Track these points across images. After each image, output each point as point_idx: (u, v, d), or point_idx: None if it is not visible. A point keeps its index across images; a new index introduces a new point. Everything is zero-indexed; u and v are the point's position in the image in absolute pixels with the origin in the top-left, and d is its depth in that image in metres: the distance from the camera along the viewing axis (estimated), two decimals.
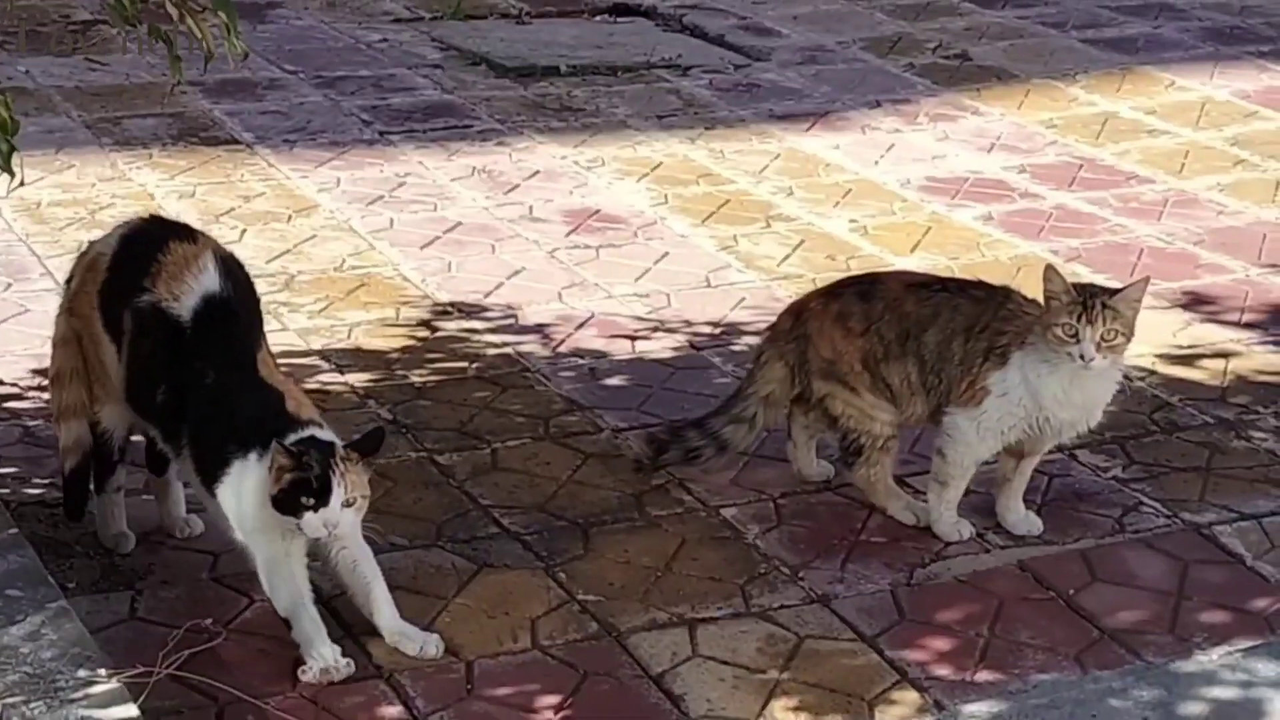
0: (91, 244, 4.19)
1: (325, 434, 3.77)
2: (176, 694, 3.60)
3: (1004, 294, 4.45)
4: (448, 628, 3.99)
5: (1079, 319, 4.17)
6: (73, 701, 3.26)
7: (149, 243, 4.01)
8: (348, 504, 3.68)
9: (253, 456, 3.73)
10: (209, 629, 3.88)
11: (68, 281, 4.23)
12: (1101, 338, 4.17)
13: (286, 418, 3.76)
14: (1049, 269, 4.29)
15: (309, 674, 3.71)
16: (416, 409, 5.11)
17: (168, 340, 3.89)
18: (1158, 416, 5.27)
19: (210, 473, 3.81)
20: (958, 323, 4.40)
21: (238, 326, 3.94)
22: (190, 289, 3.90)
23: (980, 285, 4.53)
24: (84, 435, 4.16)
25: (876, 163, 7.67)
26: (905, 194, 7.27)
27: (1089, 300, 4.19)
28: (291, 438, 3.68)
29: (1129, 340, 4.27)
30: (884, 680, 3.89)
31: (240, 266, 4.09)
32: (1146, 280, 4.35)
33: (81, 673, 3.36)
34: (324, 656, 3.74)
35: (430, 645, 3.88)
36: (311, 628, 3.78)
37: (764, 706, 3.77)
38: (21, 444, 4.73)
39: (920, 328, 4.41)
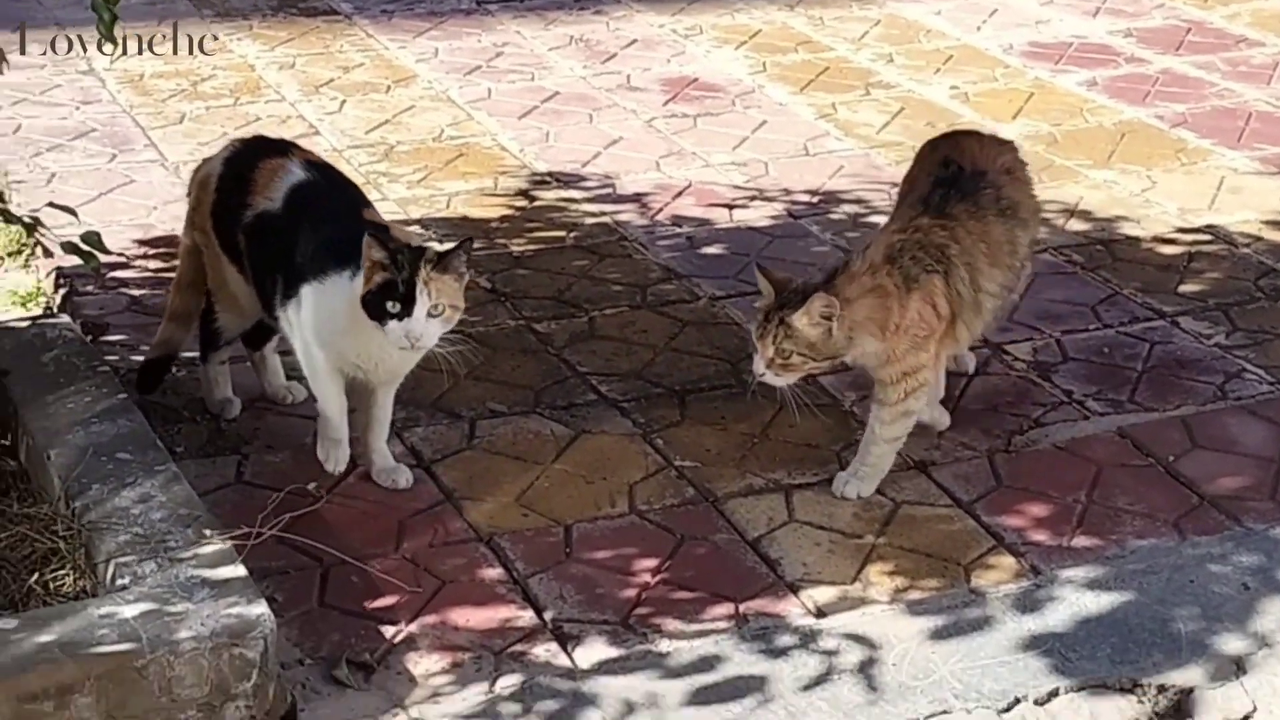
0: (204, 161, 4.24)
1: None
2: (281, 555, 3.68)
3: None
4: (546, 493, 4.03)
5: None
6: (181, 561, 3.33)
7: (247, 162, 4.07)
8: (433, 314, 3.68)
9: (346, 274, 3.75)
10: (312, 492, 3.94)
11: (188, 195, 4.31)
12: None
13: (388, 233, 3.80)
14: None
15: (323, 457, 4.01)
16: (515, 277, 5.14)
17: (278, 235, 3.93)
18: (1263, 283, 5.20)
19: (302, 280, 3.84)
20: None
21: (335, 197, 3.98)
22: (282, 187, 3.95)
23: None
24: (175, 339, 4.29)
25: (979, 28, 7.56)
26: (1008, 60, 7.17)
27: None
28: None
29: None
30: (980, 545, 3.89)
31: (330, 167, 4.16)
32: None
33: (189, 533, 3.42)
34: (333, 456, 3.99)
35: (401, 477, 4.01)
36: (339, 430, 3.97)
37: (860, 570, 3.79)
38: (129, 312, 4.81)
39: None
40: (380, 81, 6.75)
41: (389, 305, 3.65)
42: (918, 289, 3.92)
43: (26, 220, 4.28)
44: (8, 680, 3.00)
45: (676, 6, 7.76)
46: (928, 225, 3.99)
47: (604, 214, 5.60)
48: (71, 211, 4.34)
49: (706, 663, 3.46)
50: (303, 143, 6.00)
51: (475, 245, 5.24)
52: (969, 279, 4.00)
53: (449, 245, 3.89)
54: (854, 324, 3.86)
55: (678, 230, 5.51)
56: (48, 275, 5.00)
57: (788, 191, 5.81)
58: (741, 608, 3.64)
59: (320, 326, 3.82)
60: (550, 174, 5.92)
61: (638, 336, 4.81)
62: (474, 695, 3.33)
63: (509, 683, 3.37)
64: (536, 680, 3.38)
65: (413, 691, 3.34)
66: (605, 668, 3.43)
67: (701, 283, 5.14)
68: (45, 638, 3.08)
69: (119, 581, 3.29)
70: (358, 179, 5.69)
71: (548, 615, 3.58)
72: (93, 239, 4.09)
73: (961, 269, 3.99)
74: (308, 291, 3.82)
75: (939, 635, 3.58)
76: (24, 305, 4.94)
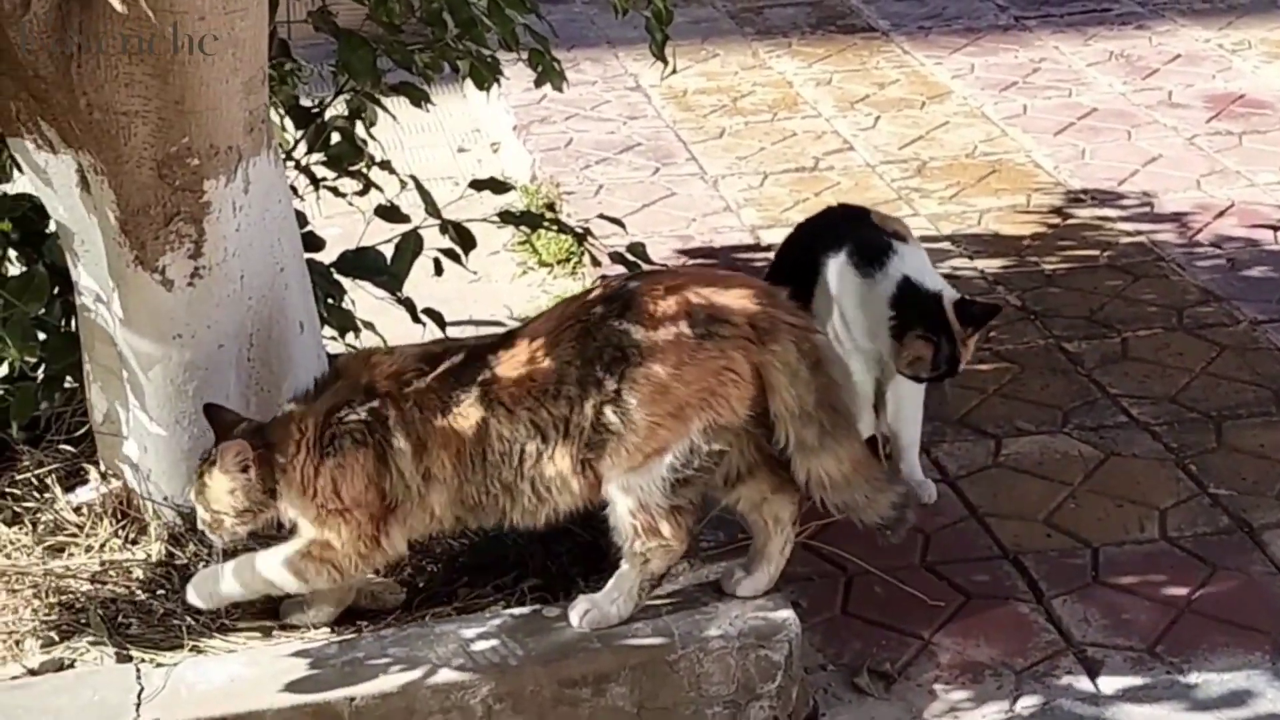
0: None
1: (947, 289, 3.88)
2: (808, 561, 3.75)
3: None
4: (1073, 514, 3.99)
5: None
6: (713, 561, 3.45)
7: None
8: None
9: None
10: None
11: None
12: None
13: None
14: None
15: None
16: (1046, 296, 5.09)
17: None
18: None
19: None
20: None
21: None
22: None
23: None
24: None
25: None
26: None
27: None
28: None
29: None
30: None
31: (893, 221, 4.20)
32: None
33: (722, 535, 3.52)
34: None
35: (925, 491, 4.01)
36: (868, 416, 4.00)
37: None
38: None
39: None
40: (915, 97, 6.79)
41: (927, 374, 3.84)
42: None
43: (578, 230, 4.51)
44: (551, 665, 3.18)
45: (1224, 20, 7.52)
46: None
47: (1140, 233, 5.49)
48: (619, 223, 4.55)
49: (1237, 697, 3.36)
50: (836, 158, 6.15)
51: (1007, 263, 5.25)
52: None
53: (986, 306, 3.92)
54: None
55: (1218, 251, 5.34)
56: (593, 283, 5.24)
57: None
58: (1277, 643, 3.51)
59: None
60: (1085, 191, 5.84)
61: (1172, 359, 4.69)
62: (993, 713, 3.33)
63: (1029, 703, 3.35)
64: (1058, 703, 3.35)
65: (931, 704, 3.36)
66: (1129, 695, 3.37)
67: (1241, 306, 4.97)
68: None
69: None
70: (889, 195, 5.78)
71: (1072, 638, 3.55)
72: (638, 249, 4.28)
73: None
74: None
75: None
76: None
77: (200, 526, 3.31)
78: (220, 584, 3.29)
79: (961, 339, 3.80)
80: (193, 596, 3.31)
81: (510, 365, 3.18)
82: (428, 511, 3.23)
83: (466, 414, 3.17)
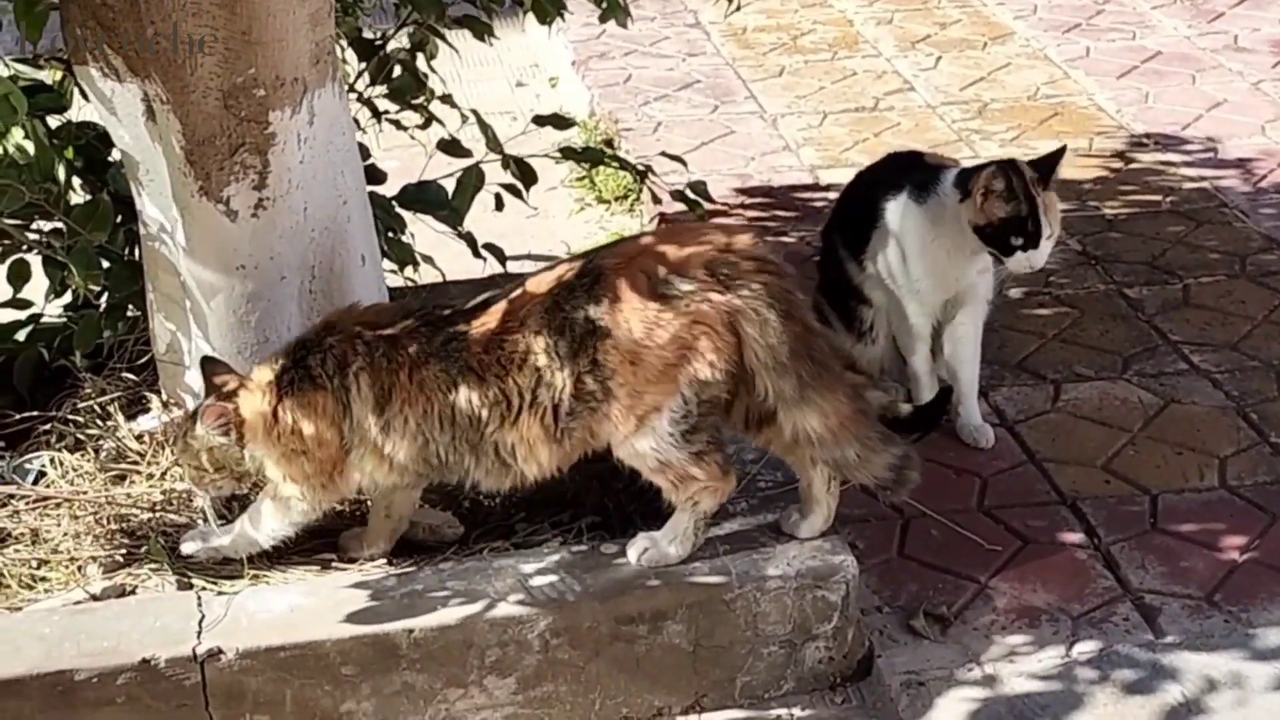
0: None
1: None
2: (864, 503, 3.74)
3: None
4: (1131, 460, 3.97)
5: None
6: (770, 502, 3.44)
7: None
8: (1048, 237, 3.76)
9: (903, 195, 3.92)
10: None
11: None
12: None
13: None
14: None
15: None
16: (1107, 241, 5.05)
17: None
18: None
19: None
20: None
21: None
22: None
23: None
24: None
25: None
26: None
27: None
28: None
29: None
30: None
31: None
32: None
33: (780, 476, 3.52)
34: (923, 397, 4.06)
35: (984, 436, 4.02)
36: (923, 365, 4.05)
37: None
38: None
39: None
40: (976, 38, 6.74)
41: (1013, 239, 3.74)
42: None
43: (640, 168, 4.50)
44: (609, 601, 3.19)
45: None
46: None
47: (1203, 179, 5.43)
48: (681, 161, 4.53)
49: None
50: (896, 99, 6.11)
51: (1068, 207, 5.21)
52: None
53: (1045, 155, 3.85)
54: None
55: None
56: (651, 220, 5.23)
57: None
58: None
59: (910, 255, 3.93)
60: (1148, 136, 5.78)
61: (1235, 307, 4.65)
62: (1050, 658, 3.33)
63: (1086, 648, 3.35)
64: (1115, 649, 3.34)
65: (988, 648, 3.36)
66: (1187, 643, 3.36)
67: None
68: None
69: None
70: (949, 136, 5.73)
71: (1129, 585, 3.54)
72: (700, 188, 4.27)
73: None
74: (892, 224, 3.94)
75: None
76: None
77: (188, 483, 3.36)
78: (211, 539, 3.35)
79: (1038, 189, 3.74)
80: (187, 548, 3.35)
81: (482, 332, 3.16)
82: (386, 462, 3.20)
83: (435, 376, 3.15)
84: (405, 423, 3.17)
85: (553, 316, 3.12)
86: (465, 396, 3.14)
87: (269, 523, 3.27)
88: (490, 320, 3.17)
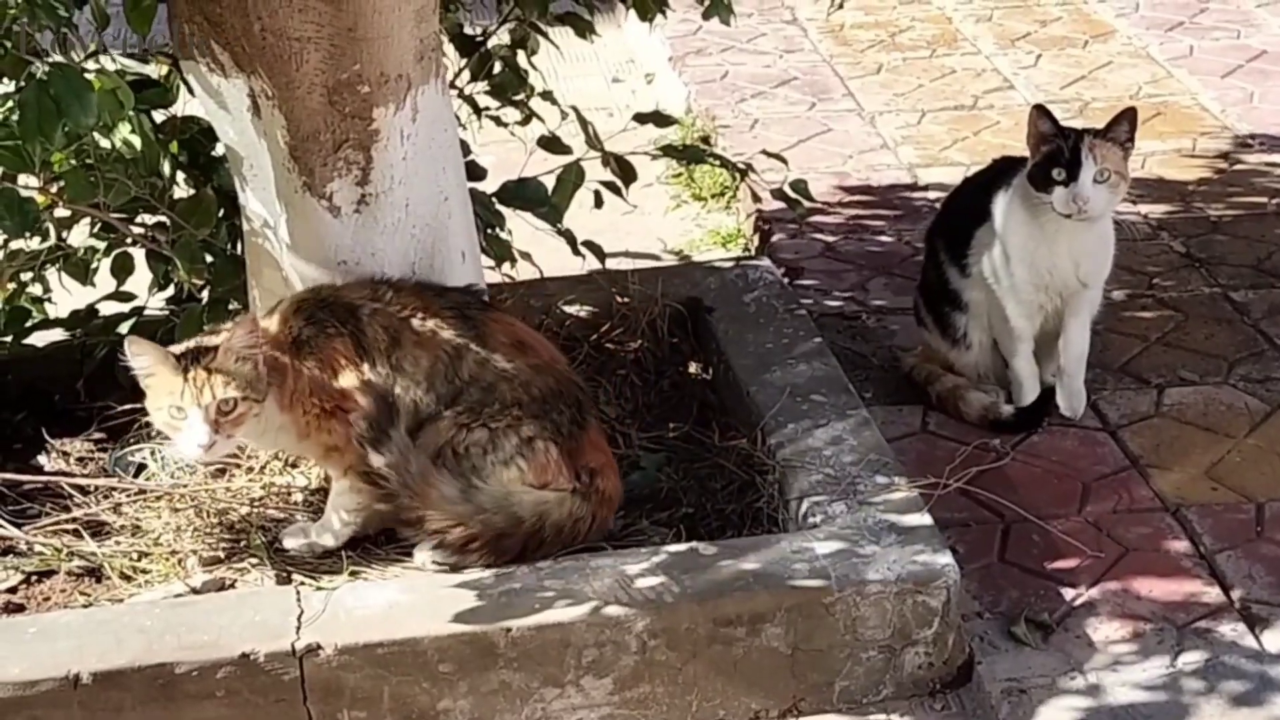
0: None
1: None
2: (964, 507, 3.71)
3: None
4: (1237, 467, 3.90)
5: None
6: (870, 505, 3.41)
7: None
8: (1099, 179, 3.78)
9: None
10: (996, 449, 3.96)
11: None
12: None
13: None
14: None
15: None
16: (1211, 243, 4.97)
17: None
18: None
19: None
20: None
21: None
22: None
23: None
24: None
25: None
26: None
27: None
28: None
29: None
30: None
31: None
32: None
33: (879, 479, 3.50)
34: (1024, 399, 4.06)
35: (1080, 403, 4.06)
36: (1026, 367, 4.05)
37: None
38: (823, 258, 4.95)
39: None
40: (1078, 36, 6.66)
41: (1054, 173, 3.79)
42: None
43: (740, 166, 4.47)
44: (707, 603, 3.16)
45: None
46: None
47: None
48: (782, 159, 4.50)
49: None
50: (995, 97, 6.05)
51: (1171, 209, 5.14)
52: None
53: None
54: None
55: None
56: (748, 218, 5.20)
57: None
58: None
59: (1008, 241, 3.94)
60: (1253, 136, 5.70)
61: None
62: (1155, 667, 3.28)
63: (1192, 659, 3.29)
64: (1221, 659, 3.29)
65: (1092, 656, 3.31)
66: None
67: None
68: (742, 566, 3.24)
69: (810, 520, 3.40)
70: None
71: (1235, 594, 3.47)
72: (800, 187, 4.24)
73: None
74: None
75: None
76: (724, 245, 5.17)
77: (189, 439, 3.17)
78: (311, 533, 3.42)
79: (1089, 143, 3.80)
80: (289, 543, 3.41)
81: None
82: None
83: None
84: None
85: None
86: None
87: (340, 500, 3.35)
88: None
